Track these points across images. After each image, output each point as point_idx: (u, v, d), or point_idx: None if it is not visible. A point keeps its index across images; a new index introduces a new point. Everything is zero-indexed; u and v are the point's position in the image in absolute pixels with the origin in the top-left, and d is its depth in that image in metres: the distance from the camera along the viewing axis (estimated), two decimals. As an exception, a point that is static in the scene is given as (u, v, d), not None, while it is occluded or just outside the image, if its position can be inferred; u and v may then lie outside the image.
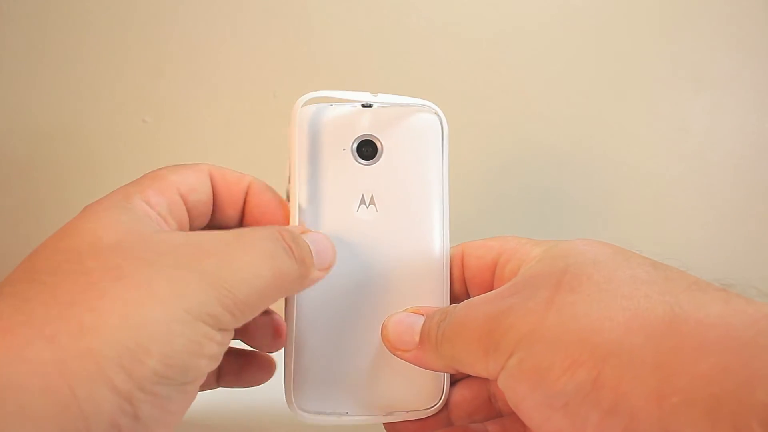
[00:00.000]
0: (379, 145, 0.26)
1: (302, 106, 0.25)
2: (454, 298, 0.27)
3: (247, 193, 0.25)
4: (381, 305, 0.25)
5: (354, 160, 0.26)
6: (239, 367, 0.28)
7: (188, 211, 0.24)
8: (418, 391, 0.26)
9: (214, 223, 0.26)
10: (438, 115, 0.26)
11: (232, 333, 0.20)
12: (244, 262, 0.20)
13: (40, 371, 0.16)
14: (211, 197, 0.25)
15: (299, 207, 0.25)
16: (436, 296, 0.26)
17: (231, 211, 0.25)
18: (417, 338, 0.23)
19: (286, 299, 0.25)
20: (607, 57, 0.48)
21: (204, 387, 0.27)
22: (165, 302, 0.18)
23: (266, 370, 0.28)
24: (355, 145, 0.26)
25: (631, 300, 0.18)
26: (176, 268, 0.19)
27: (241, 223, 0.26)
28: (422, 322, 0.24)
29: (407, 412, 0.26)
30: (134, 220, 0.21)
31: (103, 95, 0.48)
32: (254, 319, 0.27)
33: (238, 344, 0.28)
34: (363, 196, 0.26)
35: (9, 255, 0.51)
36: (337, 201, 0.26)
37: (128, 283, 0.18)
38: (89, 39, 0.47)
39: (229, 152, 0.49)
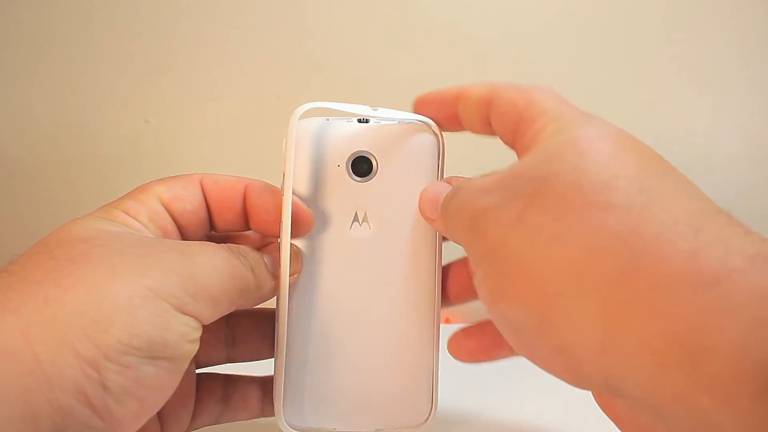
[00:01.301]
0: (374, 162, 0.26)
1: (300, 116, 0.24)
2: (456, 295, 0.27)
3: (246, 196, 0.25)
4: (372, 323, 0.26)
5: (348, 177, 0.26)
6: None
7: (175, 220, 0.24)
8: (407, 407, 0.26)
9: (218, 230, 0.26)
10: (435, 133, 0.26)
11: (200, 323, 0.21)
12: (202, 257, 0.21)
13: (1, 336, 0.16)
14: (203, 205, 0.25)
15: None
16: (428, 316, 0.26)
17: (231, 216, 0.25)
18: (438, 209, 0.24)
19: (277, 313, 0.25)
20: (610, 57, 0.48)
21: (245, 412, 0.27)
22: (128, 280, 0.19)
23: None
24: (349, 162, 0.26)
25: (595, 238, 0.17)
26: (141, 257, 0.20)
27: (247, 227, 0.26)
28: (442, 197, 0.24)
29: (395, 429, 0.26)
30: (108, 224, 0.22)
31: (107, 96, 0.48)
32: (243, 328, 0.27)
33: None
34: (356, 213, 0.26)
35: (13, 256, 0.51)
36: (329, 218, 0.26)
37: (94, 265, 0.19)
38: (92, 40, 0.47)
39: (232, 153, 0.49)
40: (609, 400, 0.20)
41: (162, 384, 0.19)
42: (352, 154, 0.26)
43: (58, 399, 0.16)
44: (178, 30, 0.47)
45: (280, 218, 0.24)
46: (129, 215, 0.22)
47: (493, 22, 0.47)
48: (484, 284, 0.20)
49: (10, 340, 0.16)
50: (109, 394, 0.17)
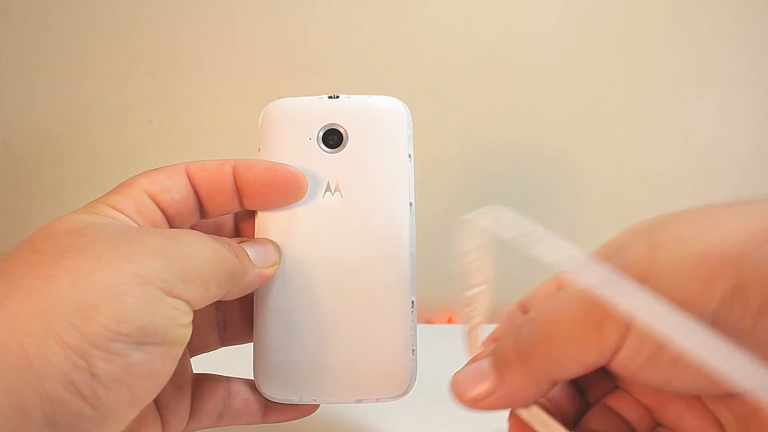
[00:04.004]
0: (344, 133, 0.26)
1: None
2: None
3: (236, 175, 0.25)
4: (347, 291, 0.26)
5: (320, 149, 0.26)
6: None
7: (164, 211, 0.24)
8: (387, 377, 0.26)
9: (208, 215, 0.26)
10: (403, 105, 0.27)
11: (190, 307, 0.20)
12: (187, 240, 0.21)
13: None
14: (191, 193, 0.25)
15: None
16: (403, 282, 0.26)
17: (222, 197, 0.25)
18: (491, 377, 0.20)
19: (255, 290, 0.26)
20: (612, 57, 0.48)
21: (249, 418, 0.27)
22: (113, 267, 0.18)
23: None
24: (320, 134, 0.26)
25: (734, 211, 0.18)
26: (126, 243, 0.20)
27: (239, 207, 0.26)
28: (489, 361, 0.20)
29: (376, 399, 0.26)
30: (93, 217, 0.22)
31: (109, 96, 0.48)
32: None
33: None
34: (329, 183, 0.26)
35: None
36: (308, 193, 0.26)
37: (79, 255, 0.19)
38: (95, 40, 0.47)
39: (234, 152, 0.49)
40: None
41: (153, 371, 0.19)
42: (322, 127, 0.26)
43: (46, 389, 0.16)
44: (181, 30, 0.47)
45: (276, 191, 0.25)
46: (116, 209, 0.22)
47: (495, 22, 0.47)
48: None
49: None
50: (98, 382, 0.17)
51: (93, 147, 0.49)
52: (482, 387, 0.20)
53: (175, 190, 0.24)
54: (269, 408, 0.27)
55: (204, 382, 0.27)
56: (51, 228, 0.21)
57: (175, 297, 0.20)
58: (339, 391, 0.26)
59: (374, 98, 0.27)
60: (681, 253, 0.18)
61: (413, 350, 0.26)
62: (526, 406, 0.20)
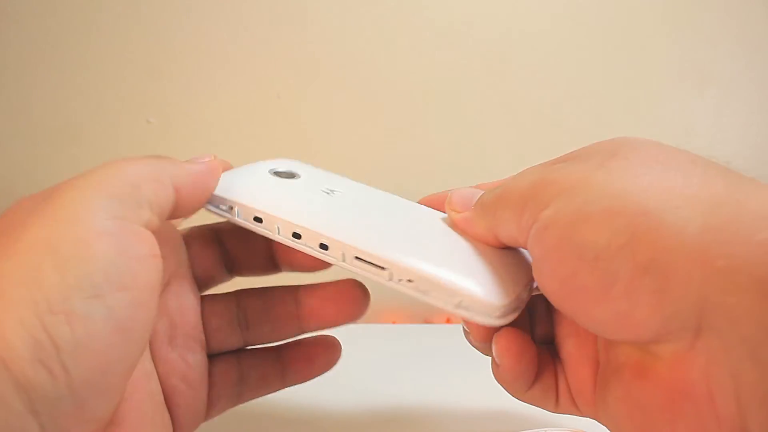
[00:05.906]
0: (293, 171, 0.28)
1: None
2: None
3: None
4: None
5: (286, 179, 0.27)
6: (308, 356, 0.27)
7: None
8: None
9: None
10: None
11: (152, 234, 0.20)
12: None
13: None
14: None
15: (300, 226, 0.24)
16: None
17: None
18: (469, 210, 0.24)
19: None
20: (610, 57, 0.48)
21: (266, 388, 0.27)
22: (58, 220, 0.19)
23: (333, 349, 0.28)
24: (275, 172, 0.27)
25: (686, 172, 0.18)
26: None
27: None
28: (476, 201, 0.24)
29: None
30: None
31: (108, 96, 0.48)
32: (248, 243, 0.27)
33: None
34: (322, 190, 0.26)
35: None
36: (311, 195, 0.26)
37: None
38: (94, 39, 0.47)
39: (233, 153, 0.49)
40: (673, 366, 0.17)
41: (121, 327, 0.17)
42: (270, 170, 0.27)
43: (16, 375, 0.15)
44: (180, 30, 0.47)
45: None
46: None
47: (494, 22, 0.47)
48: (555, 220, 0.19)
49: None
50: (63, 353, 0.16)
51: (92, 147, 0.49)
52: (462, 205, 0.25)
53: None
54: (288, 373, 0.27)
55: (214, 368, 0.26)
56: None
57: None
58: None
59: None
60: (612, 183, 0.18)
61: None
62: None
